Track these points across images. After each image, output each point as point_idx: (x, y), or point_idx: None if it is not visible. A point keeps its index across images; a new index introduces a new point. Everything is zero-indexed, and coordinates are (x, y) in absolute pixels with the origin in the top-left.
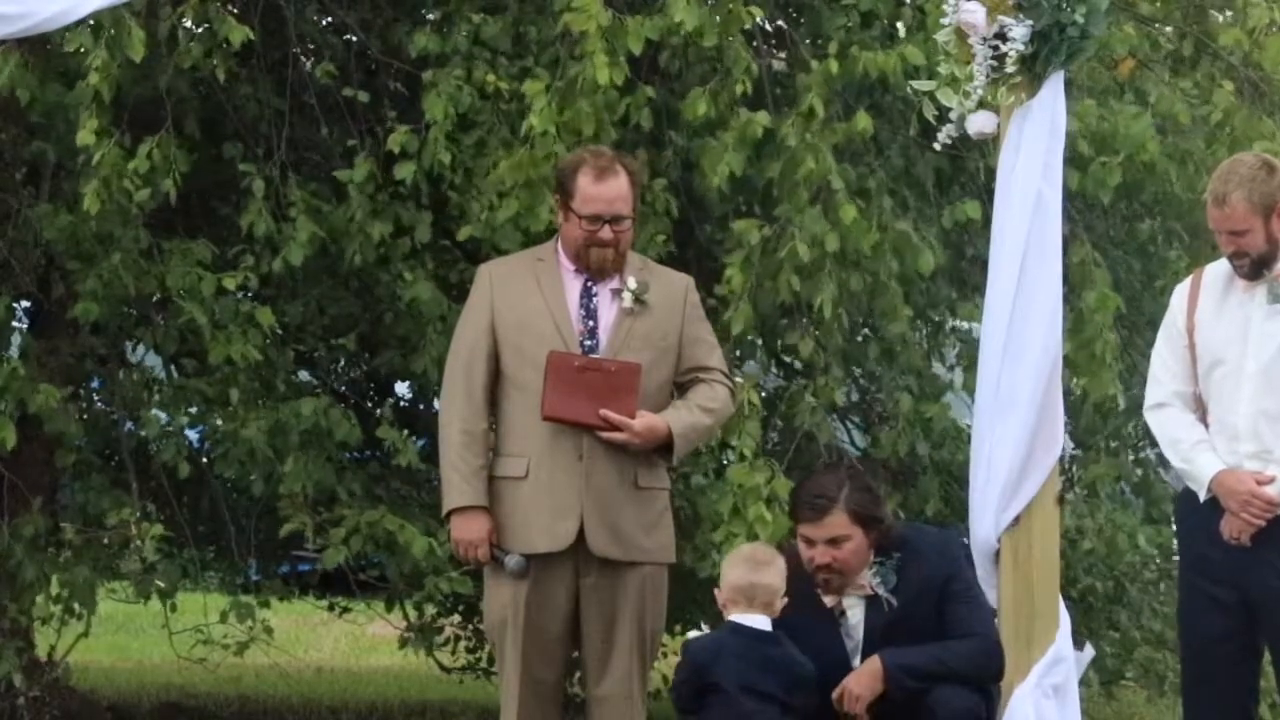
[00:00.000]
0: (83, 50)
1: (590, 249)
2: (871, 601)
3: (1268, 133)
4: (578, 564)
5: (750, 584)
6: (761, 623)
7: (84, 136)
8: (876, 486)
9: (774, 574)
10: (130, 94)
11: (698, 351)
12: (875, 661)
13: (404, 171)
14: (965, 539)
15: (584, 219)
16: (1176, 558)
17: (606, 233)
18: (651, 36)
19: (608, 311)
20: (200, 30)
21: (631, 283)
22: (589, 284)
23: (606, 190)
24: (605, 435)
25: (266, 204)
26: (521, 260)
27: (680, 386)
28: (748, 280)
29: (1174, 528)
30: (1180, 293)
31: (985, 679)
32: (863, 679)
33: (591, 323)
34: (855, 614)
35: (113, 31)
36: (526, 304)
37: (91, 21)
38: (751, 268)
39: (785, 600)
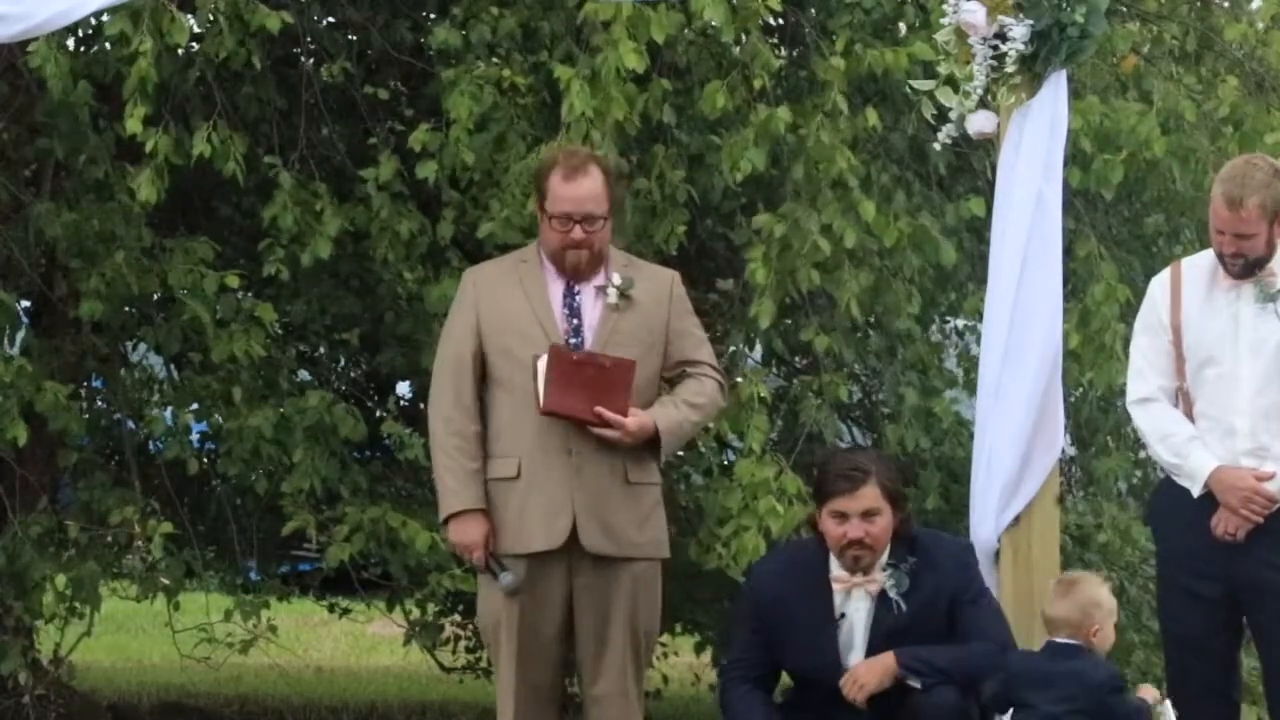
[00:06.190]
0: (124, 37)
1: (565, 251)
2: (880, 601)
3: (1278, 124)
4: (571, 562)
5: (1046, 617)
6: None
7: (132, 125)
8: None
9: (1065, 606)
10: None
11: (684, 345)
12: (888, 656)
13: (426, 170)
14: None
15: (554, 219)
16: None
17: (578, 233)
18: (670, 30)
19: (592, 310)
20: (219, 20)
21: (616, 279)
22: (571, 283)
23: (576, 190)
24: (598, 431)
25: (291, 197)
26: (504, 263)
27: (668, 381)
28: (770, 274)
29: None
30: (1160, 285)
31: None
32: (873, 669)
33: (576, 321)
34: (860, 612)
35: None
36: (511, 306)
37: (106, 17)
38: (771, 262)
39: (1096, 628)
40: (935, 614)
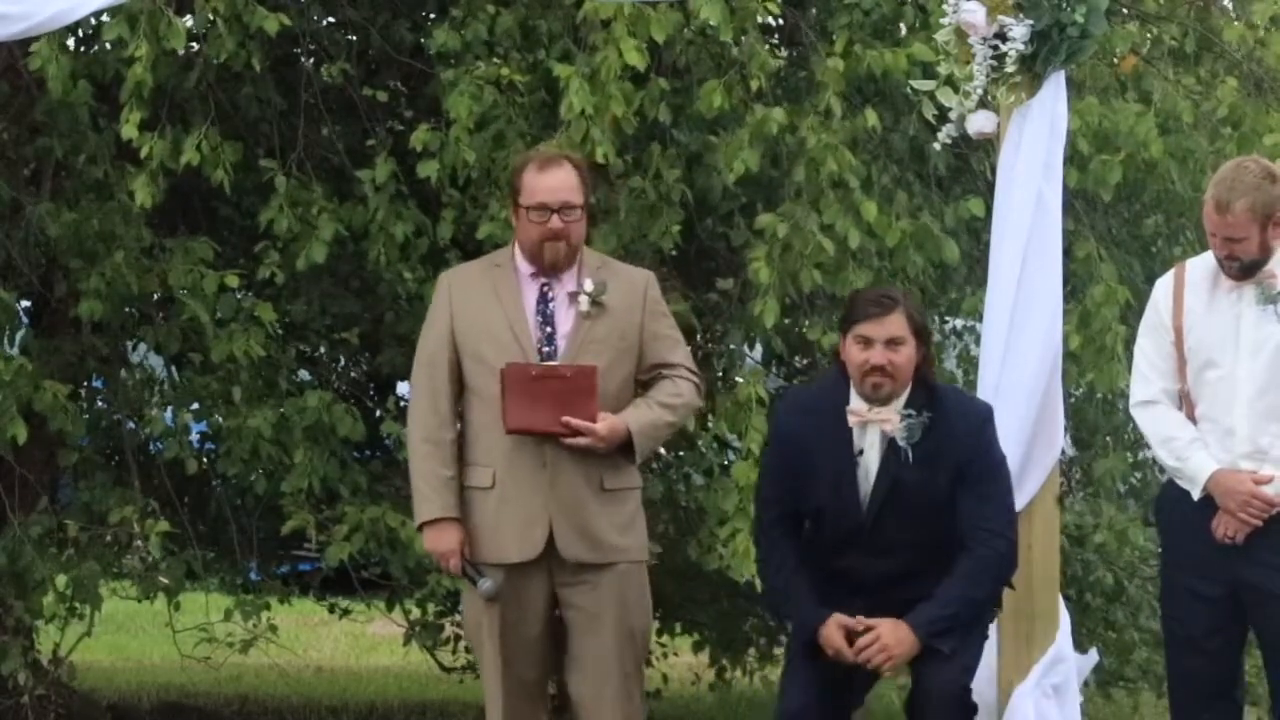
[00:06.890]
0: (122, 41)
1: (544, 244)
2: (891, 444)
3: (1277, 125)
4: (551, 569)
5: None
6: None
7: (128, 129)
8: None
9: None
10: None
11: (659, 348)
12: (907, 630)
13: (427, 169)
14: None
15: (531, 210)
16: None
17: (555, 222)
18: (669, 30)
19: (565, 316)
20: (218, 22)
21: (588, 285)
22: (545, 289)
23: (551, 179)
24: (570, 441)
25: (287, 200)
26: (479, 267)
27: (643, 385)
28: (774, 274)
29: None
30: (1164, 288)
31: (1006, 584)
32: (903, 642)
33: (549, 329)
34: (874, 448)
35: (147, 24)
36: (484, 311)
37: (106, 18)
38: (774, 262)
39: None
40: (941, 470)
